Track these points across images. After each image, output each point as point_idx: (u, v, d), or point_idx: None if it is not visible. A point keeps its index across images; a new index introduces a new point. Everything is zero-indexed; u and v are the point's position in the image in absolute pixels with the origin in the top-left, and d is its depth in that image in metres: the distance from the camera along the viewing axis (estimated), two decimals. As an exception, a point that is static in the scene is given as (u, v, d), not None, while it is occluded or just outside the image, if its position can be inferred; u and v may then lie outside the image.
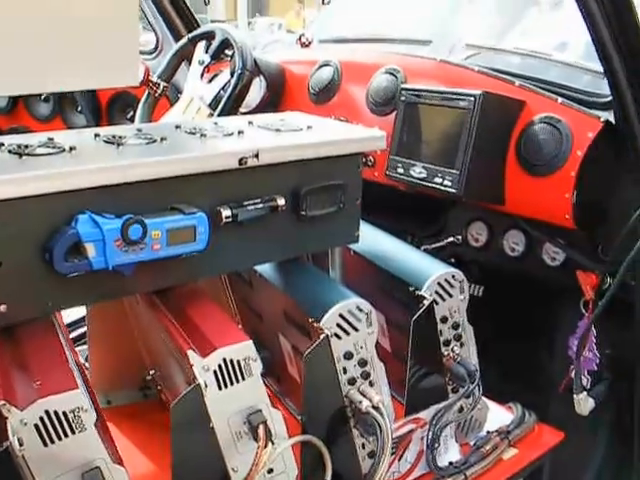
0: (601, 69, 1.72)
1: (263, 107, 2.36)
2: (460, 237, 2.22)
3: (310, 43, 2.39)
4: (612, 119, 1.74)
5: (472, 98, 1.81)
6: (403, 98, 1.98)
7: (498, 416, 1.67)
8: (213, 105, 2.18)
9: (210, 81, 2.30)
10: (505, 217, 2.02)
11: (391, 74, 2.11)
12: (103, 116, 2.86)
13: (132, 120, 2.76)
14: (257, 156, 1.22)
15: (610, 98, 1.72)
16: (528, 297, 2.09)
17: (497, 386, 1.60)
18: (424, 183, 1.91)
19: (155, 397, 1.62)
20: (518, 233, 2.08)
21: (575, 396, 1.75)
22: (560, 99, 1.82)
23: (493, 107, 1.83)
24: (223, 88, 2.20)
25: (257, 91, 2.35)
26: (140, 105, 2.38)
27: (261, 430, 1.08)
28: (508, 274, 2.12)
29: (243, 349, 1.08)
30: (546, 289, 2.03)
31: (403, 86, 2.02)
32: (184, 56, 2.35)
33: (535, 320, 2.09)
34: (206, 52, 2.26)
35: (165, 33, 2.71)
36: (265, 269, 1.46)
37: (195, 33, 2.31)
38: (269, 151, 1.24)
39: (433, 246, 2.26)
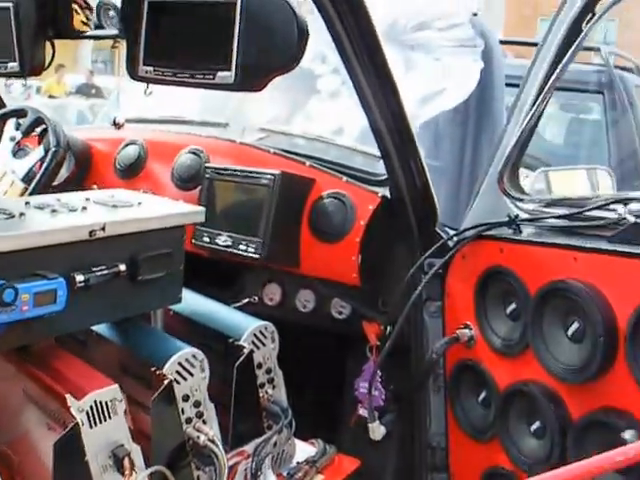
0: (376, 152, 2.08)
1: (70, 182, 2.51)
2: (256, 297, 2.48)
3: (123, 125, 2.59)
4: (388, 194, 2.09)
5: (272, 177, 2.10)
6: (207, 175, 2.24)
7: (304, 450, 1.92)
8: (26, 180, 2.31)
9: (14, 155, 2.43)
10: (296, 277, 2.31)
11: (195, 154, 2.36)
12: None
13: None
14: (104, 229, 1.42)
15: (386, 177, 2.07)
16: (319, 348, 2.38)
17: (297, 426, 1.86)
18: (230, 250, 2.16)
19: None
20: (309, 292, 2.37)
21: (369, 425, 2.05)
22: (345, 177, 2.15)
23: (289, 184, 2.13)
24: (35, 164, 2.35)
25: (65, 167, 2.50)
26: (-56, 177, 2.45)
27: (127, 462, 1.26)
28: (301, 328, 2.40)
29: (111, 392, 1.27)
30: (335, 339, 2.33)
31: (207, 165, 2.27)
32: (-9, 132, 2.47)
33: (326, 367, 2.38)
34: (17, 129, 2.40)
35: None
36: (100, 328, 1.63)
37: (6, 110, 2.44)
38: (113, 225, 1.44)
39: (232, 306, 2.50)
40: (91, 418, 1.24)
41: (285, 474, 1.82)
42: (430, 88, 2.56)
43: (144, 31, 1.71)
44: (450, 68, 2.62)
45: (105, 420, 1.26)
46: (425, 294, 2.04)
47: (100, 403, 1.25)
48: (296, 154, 2.30)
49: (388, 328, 2.11)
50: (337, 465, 1.96)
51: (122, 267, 1.46)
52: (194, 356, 1.50)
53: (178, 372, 1.47)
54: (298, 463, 1.87)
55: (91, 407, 1.24)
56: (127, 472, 1.25)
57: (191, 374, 1.49)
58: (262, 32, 1.55)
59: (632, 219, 1.52)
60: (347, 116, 2.58)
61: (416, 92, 2.56)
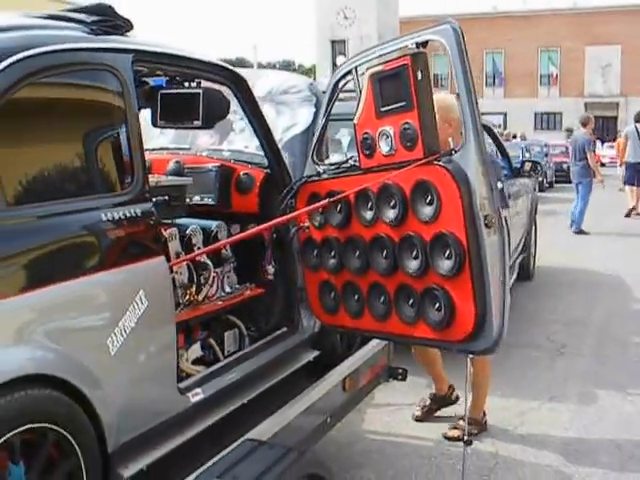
0: (262, 154, 4.63)
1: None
2: None
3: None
4: (269, 172, 4.63)
5: (216, 167, 4.63)
6: (186, 171, 4.72)
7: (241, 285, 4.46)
8: None
9: None
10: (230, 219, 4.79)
11: (177, 162, 4.85)
12: None
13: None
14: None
15: (267, 165, 4.61)
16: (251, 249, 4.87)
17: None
18: (201, 202, 4.65)
19: None
20: (235, 225, 4.86)
21: (267, 268, 4.58)
22: (250, 165, 4.70)
23: (223, 170, 4.66)
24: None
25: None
26: None
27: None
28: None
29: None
30: (250, 245, 4.82)
31: (184, 166, 4.77)
32: None
33: (253, 260, 4.85)
34: None
35: None
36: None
37: None
38: (165, 181, 3.97)
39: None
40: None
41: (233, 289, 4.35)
42: (289, 123, 5.13)
43: (159, 105, 4.23)
44: (298, 113, 5.19)
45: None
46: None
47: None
48: (225, 158, 4.85)
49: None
50: (254, 289, 4.51)
51: (166, 197, 3.95)
52: (195, 229, 4.03)
53: (192, 233, 3.99)
54: (237, 287, 4.41)
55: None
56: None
57: (196, 236, 4.02)
58: (212, 104, 4.08)
59: (352, 163, 4.13)
60: (249, 141, 5.16)
61: (282, 126, 5.14)
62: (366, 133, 3.83)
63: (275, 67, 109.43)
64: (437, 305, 3.64)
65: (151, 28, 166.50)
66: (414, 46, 3.58)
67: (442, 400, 5.58)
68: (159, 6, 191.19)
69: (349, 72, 4.13)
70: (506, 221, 3.51)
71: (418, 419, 5.49)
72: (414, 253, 3.70)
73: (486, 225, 3.42)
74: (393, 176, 3.70)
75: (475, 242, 3.44)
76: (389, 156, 3.72)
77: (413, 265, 3.71)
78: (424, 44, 3.58)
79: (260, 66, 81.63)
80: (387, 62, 3.66)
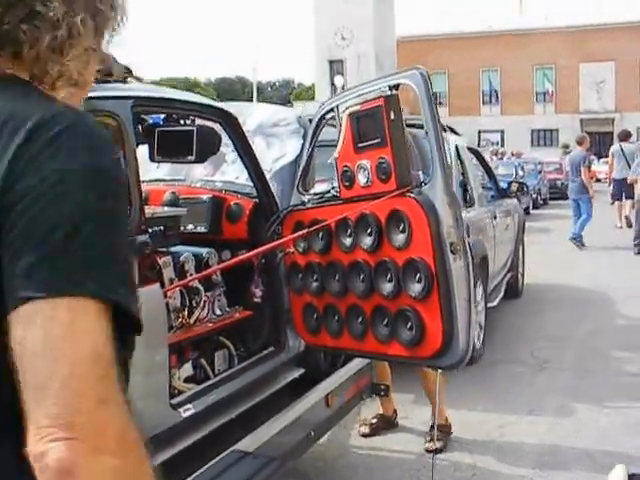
0: (252, 184, 4.95)
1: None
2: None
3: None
4: (258, 201, 4.94)
5: (208, 198, 4.95)
6: (181, 201, 5.03)
7: (230, 308, 4.77)
8: None
9: None
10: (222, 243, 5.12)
11: (173, 193, 5.16)
12: None
13: None
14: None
15: (256, 194, 4.93)
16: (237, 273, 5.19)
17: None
18: (195, 230, 4.97)
19: None
20: (226, 251, 5.18)
21: (254, 291, 4.89)
22: (239, 195, 5.02)
23: (215, 201, 4.97)
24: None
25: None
26: None
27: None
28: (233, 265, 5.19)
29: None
30: (240, 270, 5.14)
31: (180, 197, 5.08)
32: None
33: (242, 284, 5.17)
34: None
35: None
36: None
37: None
38: (163, 212, 4.29)
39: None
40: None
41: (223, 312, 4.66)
42: (278, 154, 5.46)
43: (156, 141, 4.55)
44: (287, 144, 5.52)
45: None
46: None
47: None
48: (220, 189, 5.17)
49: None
50: (243, 311, 4.81)
51: (162, 228, 4.27)
52: (188, 256, 4.34)
53: (185, 260, 4.30)
54: (227, 310, 4.72)
55: None
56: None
57: (189, 263, 4.33)
58: (205, 140, 4.40)
59: (334, 193, 4.45)
60: (240, 172, 5.48)
61: (272, 157, 5.46)
62: (346, 166, 4.16)
63: (275, 85, 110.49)
64: (409, 325, 3.95)
65: (154, 49, 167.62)
66: (387, 89, 3.91)
67: (387, 420, 5.94)
68: (163, 28, 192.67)
69: (331, 109, 4.46)
70: (470, 247, 3.83)
71: (365, 435, 5.82)
72: (388, 277, 4.02)
73: (452, 251, 3.74)
74: (370, 206, 4.02)
75: (442, 267, 3.76)
76: (366, 187, 4.05)
77: (387, 288, 4.02)
78: (396, 87, 3.91)
79: (260, 85, 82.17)
80: (364, 102, 3.99)
